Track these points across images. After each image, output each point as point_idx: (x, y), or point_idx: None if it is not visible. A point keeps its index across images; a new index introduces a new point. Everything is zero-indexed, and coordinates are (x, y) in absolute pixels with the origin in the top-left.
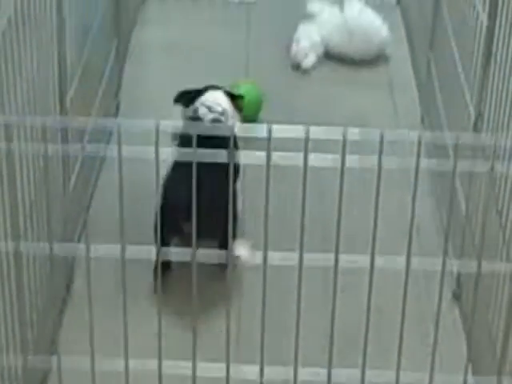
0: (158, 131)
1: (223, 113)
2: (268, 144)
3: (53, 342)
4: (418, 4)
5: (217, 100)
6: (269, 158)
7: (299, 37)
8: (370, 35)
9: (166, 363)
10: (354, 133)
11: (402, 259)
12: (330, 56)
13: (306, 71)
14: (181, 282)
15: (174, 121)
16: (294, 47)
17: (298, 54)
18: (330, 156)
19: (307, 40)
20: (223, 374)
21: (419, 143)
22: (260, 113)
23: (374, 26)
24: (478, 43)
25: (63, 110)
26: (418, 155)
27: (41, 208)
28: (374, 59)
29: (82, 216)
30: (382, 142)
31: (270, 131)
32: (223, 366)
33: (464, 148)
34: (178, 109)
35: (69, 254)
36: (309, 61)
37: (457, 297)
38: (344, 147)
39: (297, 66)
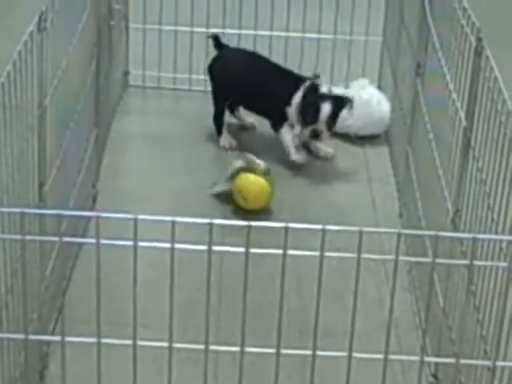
0: (136, 225)
1: None
2: (247, 237)
3: None
4: (396, 99)
5: None
6: (248, 251)
7: None
8: (369, 109)
9: None
10: (332, 229)
11: (379, 353)
12: None
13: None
14: None
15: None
16: None
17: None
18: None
19: None
20: None
21: (398, 240)
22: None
23: (375, 100)
24: (457, 138)
25: (42, 200)
26: (397, 252)
27: (17, 295)
28: (352, 155)
29: (58, 302)
30: (361, 240)
31: (249, 227)
32: None
33: (443, 242)
34: None
35: (44, 341)
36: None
37: None
38: (323, 240)
39: None
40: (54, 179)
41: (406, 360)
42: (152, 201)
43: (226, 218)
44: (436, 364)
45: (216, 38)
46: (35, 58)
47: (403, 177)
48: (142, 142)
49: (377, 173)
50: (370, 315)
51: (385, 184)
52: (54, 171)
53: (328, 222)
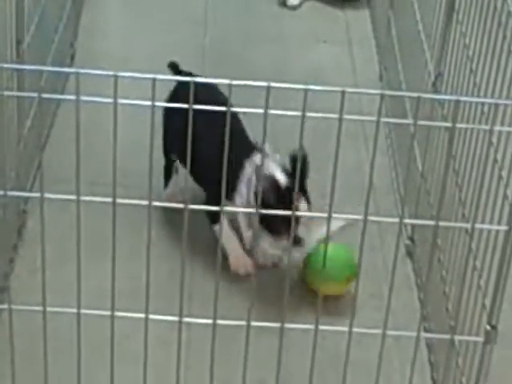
0: (116, 82)
1: None
2: (229, 95)
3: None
4: None
5: None
6: (229, 110)
7: None
8: None
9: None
10: (315, 89)
11: (358, 215)
12: None
13: (293, 8)
14: None
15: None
16: None
17: None
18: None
19: None
20: None
21: (381, 100)
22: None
23: None
24: (440, 1)
25: (19, 57)
26: (379, 113)
27: None
28: (333, 17)
29: (36, 160)
30: (343, 100)
31: (230, 86)
32: None
33: (423, 106)
34: None
35: (22, 199)
36: None
37: (410, 252)
38: (305, 100)
39: (283, 3)
40: (31, 36)
41: (384, 222)
42: (130, 61)
43: (205, 76)
44: (413, 227)
45: (174, 66)
46: None
47: (384, 40)
48: (120, 1)
49: (357, 36)
50: (349, 179)
51: (365, 47)
52: (32, 28)
53: (308, 84)
